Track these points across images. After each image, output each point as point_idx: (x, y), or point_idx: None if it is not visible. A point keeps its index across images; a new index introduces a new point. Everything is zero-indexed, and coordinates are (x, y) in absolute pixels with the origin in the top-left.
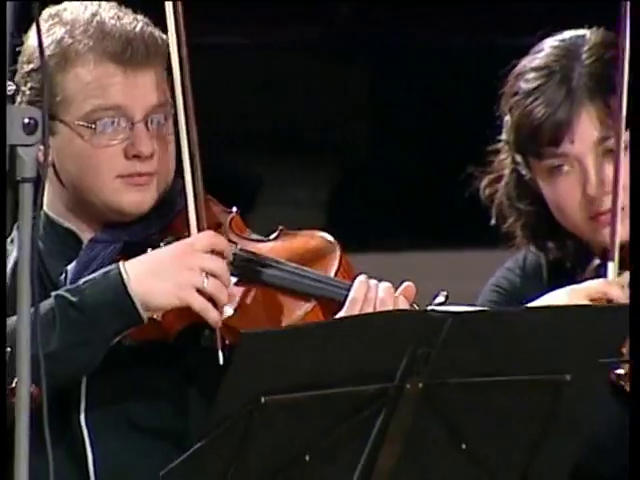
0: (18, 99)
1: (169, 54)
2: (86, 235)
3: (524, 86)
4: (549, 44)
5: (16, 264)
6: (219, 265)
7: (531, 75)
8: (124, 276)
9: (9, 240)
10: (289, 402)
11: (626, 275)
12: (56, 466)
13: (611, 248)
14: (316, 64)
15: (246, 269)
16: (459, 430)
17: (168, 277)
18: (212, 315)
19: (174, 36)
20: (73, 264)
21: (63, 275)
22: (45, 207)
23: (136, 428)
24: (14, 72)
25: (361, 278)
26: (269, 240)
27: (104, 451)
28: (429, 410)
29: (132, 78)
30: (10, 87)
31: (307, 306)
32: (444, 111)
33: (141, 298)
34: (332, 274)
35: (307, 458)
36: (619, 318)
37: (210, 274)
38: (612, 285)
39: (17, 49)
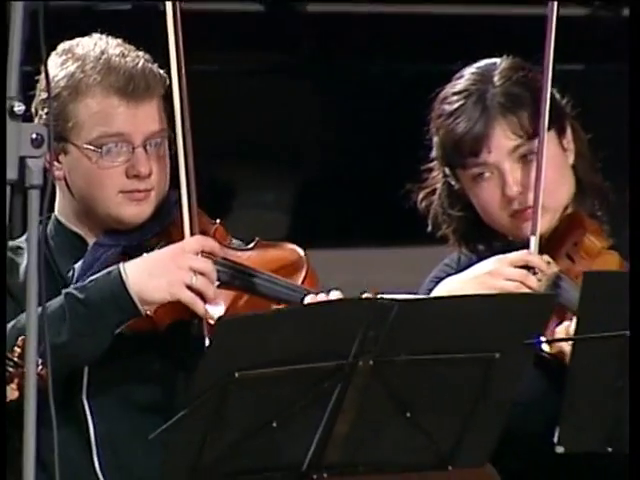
0: (35, 121)
1: (167, 84)
2: (91, 238)
3: (447, 108)
4: (467, 71)
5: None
6: (206, 265)
7: (453, 98)
8: (123, 275)
9: (23, 239)
10: (259, 377)
11: (544, 257)
12: (61, 439)
13: (533, 224)
14: (283, 85)
15: (228, 275)
16: (404, 401)
17: (162, 275)
18: (199, 307)
19: (175, 67)
20: (79, 263)
21: (71, 272)
22: (56, 212)
23: (132, 405)
24: (32, 97)
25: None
26: (247, 249)
27: (104, 425)
28: (378, 384)
29: (133, 109)
30: (20, 107)
31: (277, 308)
32: (390, 128)
33: (138, 294)
34: (299, 282)
35: (274, 424)
36: (540, 304)
37: (198, 272)
38: (532, 255)
39: (36, 77)
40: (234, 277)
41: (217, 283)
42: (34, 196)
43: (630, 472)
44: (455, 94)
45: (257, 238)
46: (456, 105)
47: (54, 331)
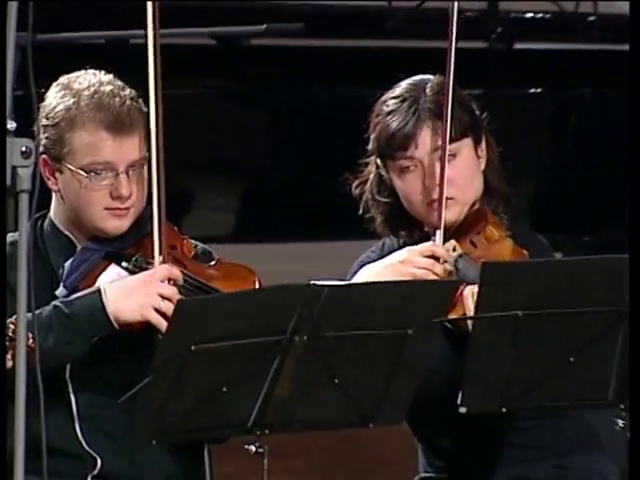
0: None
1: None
2: (79, 242)
3: (385, 109)
4: (404, 82)
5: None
6: (172, 291)
7: (391, 102)
8: (103, 297)
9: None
10: (212, 349)
11: (450, 242)
12: (48, 412)
13: (438, 219)
14: (231, 108)
15: (192, 292)
16: (332, 370)
17: (134, 299)
18: (163, 325)
19: (153, 97)
20: (68, 262)
21: (61, 270)
22: (52, 215)
23: (107, 383)
24: (33, 120)
25: None
26: (210, 267)
27: (84, 400)
28: (311, 355)
29: (119, 142)
30: (12, 125)
31: (227, 292)
32: (327, 136)
33: (113, 313)
34: None
35: (224, 389)
36: (444, 290)
37: (165, 298)
38: (438, 246)
39: (39, 105)
40: (196, 293)
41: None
42: (24, 199)
43: (630, 472)
44: (393, 98)
45: (218, 257)
46: (392, 107)
47: (42, 337)
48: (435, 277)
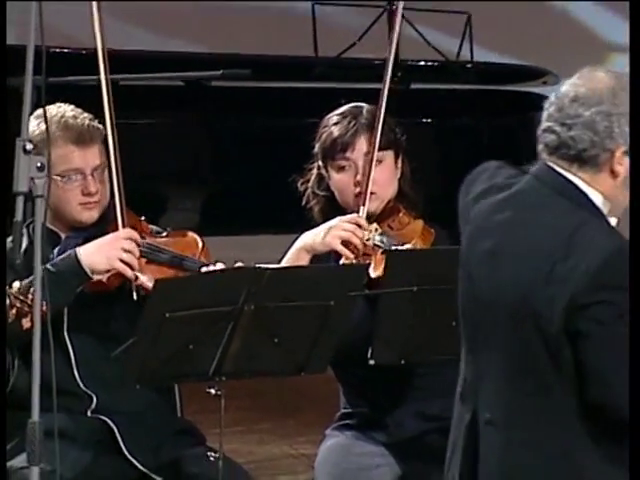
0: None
1: (104, 134)
2: (62, 233)
3: (330, 122)
4: (347, 105)
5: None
6: (132, 246)
7: (335, 117)
8: (78, 254)
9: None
10: (182, 316)
11: (372, 225)
12: (52, 361)
13: (363, 201)
14: (198, 132)
15: (150, 253)
16: (273, 331)
17: (103, 253)
18: (129, 273)
19: (108, 120)
20: (57, 249)
21: (51, 255)
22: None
23: (98, 336)
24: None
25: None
26: (163, 236)
27: (80, 350)
28: (257, 321)
29: (83, 152)
30: (29, 146)
31: (184, 274)
32: (268, 152)
33: (88, 265)
34: (197, 256)
35: (191, 347)
36: (357, 270)
37: (127, 251)
38: (361, 217)
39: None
40: (154, 254)
41: (144, 260)
42: (39, 202)
43: (630, 472)
44: (337, 115)
45: (168, 228)
46: (336, 120)
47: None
48: (357, 240)
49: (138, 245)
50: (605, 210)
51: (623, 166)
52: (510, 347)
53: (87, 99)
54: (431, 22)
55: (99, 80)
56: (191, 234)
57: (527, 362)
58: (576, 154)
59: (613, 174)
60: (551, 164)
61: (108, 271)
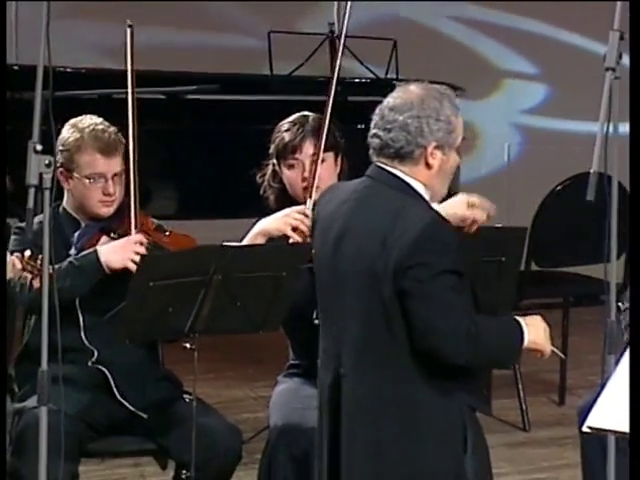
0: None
1: (125, 146)
2: (83, 221)
3: (282, 128)
4: (296, 114)
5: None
6: (142, 250)
7: (286, 125)
8: (99, 254)
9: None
10: (163, 285)
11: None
12: (66, 325)
13: (310, 194)
14: (178, 137)
15: (153, 251)
16: (236, 297)
17: (119, 254)
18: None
19: (131, 136)
20: (77, 233)
21: (72, 239)
22: (65, 204)
23: (101, 307)
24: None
25: None
26: (165, 236)
27: (87, 318)
28: (223, 288)
29: (108, 161)
30: (39, 147)
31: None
32: (234, 151)
33: (105, 262)
34: None
35: (170, 310)
36: (303, 248)
37: (137, 253)
38: (307, 209)
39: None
40: (156, 251)
41: None
42: (47, 193)
43: (631, 471)
44: (288, 122)
45: (170, 229)
46: (287, 127)
47: (62, 280)
48: (304, 227)
49: (144, 246)
50: (427, 197)
51: (435, 159)
52: (359, 309)
53: (87, 110)
54: (364, 46)
55: (97, 94)
56: (190, 238)
57: (372, 321)
58: (395, 152)
59: (428, 166)
60: (379, 163)
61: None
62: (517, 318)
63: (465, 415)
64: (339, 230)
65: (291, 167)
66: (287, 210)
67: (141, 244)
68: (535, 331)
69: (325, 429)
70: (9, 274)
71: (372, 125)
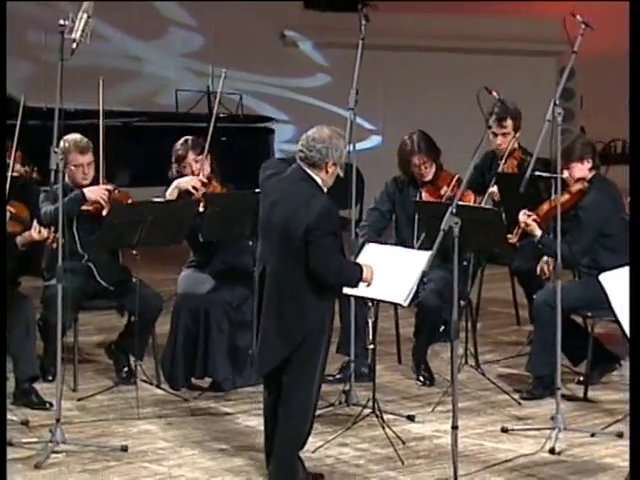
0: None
1: (93, 148)
2: (74, 188)
3: (177, 145)
4: (185, 137)
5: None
6: (106, 193)
7: (179, 143)
8: (83, 191)
9: (55, 187)
10: (121, 221)
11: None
12: (69, 244)
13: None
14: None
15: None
16: (160, 226)
17: (94, 192)
18: (105, 204)
19: (102, 144)
20: (73, 193)
21: (70, 195)
22: (67, 180)
23: (91, 231)
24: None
25: None
26: (118, 193)
27: (81, 237)
28: (153, 222)
29: (83, 157)
30: (56, 149)
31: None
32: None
33: (87, 195)
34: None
35: (124, 233)
36: (191, 202)
37: (103, 193)
38: (198, 179)
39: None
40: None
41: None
42: (59, 174)
43: (631, 471)
44: (180, 142)
45: (121, 190)
46: (179, 145)
47: (65, 204)
48: (198, 186)
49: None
50: (325, 189)
51: (330, 169)
52: (282, 246)
53: (80, 129)
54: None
55: (92, 123)
56: (129, 194)
57: (289, 253)
58: (312, 162)
59: (327, 173)
60: (301, 165)
61: (94, 201)
62: (359, 262)
63: (329, 302)
64: (274, 198)
65: (183, 167)
66: (188, 177)
67: (107, 190)
68: (367, 270)
69: (256, 301)
70: (36, 236)
71: (300, 144)
